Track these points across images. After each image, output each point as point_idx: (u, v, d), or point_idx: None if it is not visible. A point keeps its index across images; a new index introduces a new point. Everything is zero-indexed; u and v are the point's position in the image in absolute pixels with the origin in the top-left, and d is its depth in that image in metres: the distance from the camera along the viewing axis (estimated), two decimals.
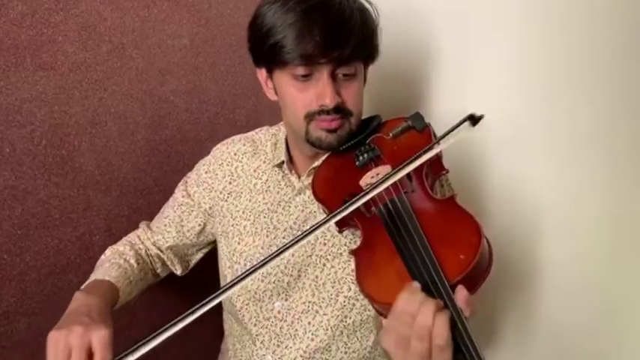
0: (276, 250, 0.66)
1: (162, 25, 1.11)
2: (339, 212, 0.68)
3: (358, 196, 0.68)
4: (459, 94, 1.08)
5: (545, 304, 1.00)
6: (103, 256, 0.96)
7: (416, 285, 0.59)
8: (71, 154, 1.00)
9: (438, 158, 0.76)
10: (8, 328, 0.95)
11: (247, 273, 0.65)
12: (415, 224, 0.64)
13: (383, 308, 0.62)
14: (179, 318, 0.64)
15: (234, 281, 0.66)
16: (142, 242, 1.00)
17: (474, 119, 0.68)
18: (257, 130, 1.00)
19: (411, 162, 0.69)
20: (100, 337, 0.67)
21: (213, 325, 1.08)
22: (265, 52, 0.78)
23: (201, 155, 1.04)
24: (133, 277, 0.92)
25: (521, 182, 1.00)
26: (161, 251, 1.00)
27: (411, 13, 1.10)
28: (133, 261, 0.94)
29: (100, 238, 1.07)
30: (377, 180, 0.70)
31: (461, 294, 0.57)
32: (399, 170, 0.69)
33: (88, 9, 0.99)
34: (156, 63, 1.11)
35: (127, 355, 0.63)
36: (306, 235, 0.66)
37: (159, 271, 1.01)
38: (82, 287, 0.85)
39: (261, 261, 0.66)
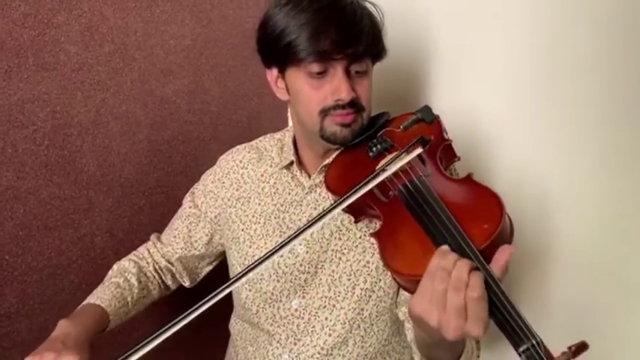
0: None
1: (165, 25, 1.11)
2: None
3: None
4: (460, 92, 1.08)
5: (555, 290, 1.01)
6: (110, 271, 0.98)
7: (446, 247, 0.59)
8: (73, 154, 1.00)
9: (449, 144, 0.78)
10: (9, 329, 0.95)
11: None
12: (437, 200, 0.66)
13: (411, 282, 0.63)
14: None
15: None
16: (151, 255, 1.01)
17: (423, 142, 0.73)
18: (261, 138, 1.01)
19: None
20: None
21: (218, 331, 1.08)
22: (279, 51, 0.80)
23: (203, 156, 1.04)
24: (131, 297, 0.93)
25: (526, 176, 1.00)
26: (170, 263, 1.01)
27: (410, 12, 1.10)
28: (134, 280, 0.95)
29: (102, 238, 1.07)
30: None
31: (505, 253, 0.56)
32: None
33: (90, 9, 0.99)
34: (158, 64, 1.11)
35: None
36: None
37: (169, 283, 1.02)
38: (74, 311, 0.87)
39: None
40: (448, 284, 0.55)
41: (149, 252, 1.01)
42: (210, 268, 1.04)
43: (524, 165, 1.01)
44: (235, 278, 0.67)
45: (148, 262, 1.00)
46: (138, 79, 1.08)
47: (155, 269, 1.00)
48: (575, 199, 0.95)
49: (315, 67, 0.78)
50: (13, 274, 0.94)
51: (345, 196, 0.70)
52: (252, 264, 0.67)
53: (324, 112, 0.81)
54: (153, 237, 1.04)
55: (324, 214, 0.69)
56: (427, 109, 0.82)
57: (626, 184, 0.88)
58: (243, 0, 1.24)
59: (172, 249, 1.00)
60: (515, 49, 0.98)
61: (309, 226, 0.68)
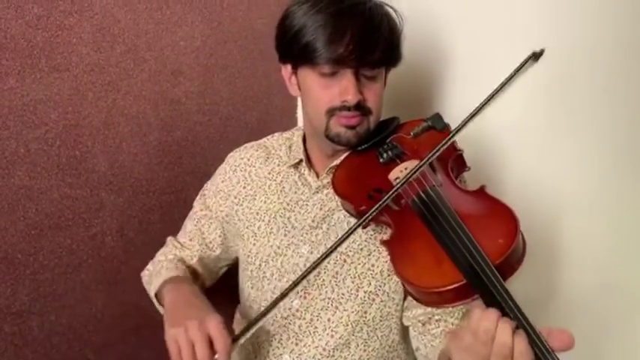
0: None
1: (175, 27, 1.12)
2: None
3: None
4: (475, 98, 1.07)
5: (564, 300, 1.00)
6: (146, 271, 0.98)
7: (494, 312, 0.57)
8: (84, 154, 1.01)
9: (461, 154, 0.78)
10: (21, 327, 0.96)
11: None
12: (451, 211, 0.65)
13: (423, 294, 0.63)
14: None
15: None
16: (176, 255, 1.00)
17: (536, 55, 0.71)
18: (269, 137, 1.01)
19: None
20: (216, 325, 0.70)
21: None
22: (295, 51, 0.81)
23: (212, 156, 1.04)
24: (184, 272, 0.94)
25: (539, 182, 0.99)
26: (192, 264, 0.99)
27: (425, 16, 1.09)
28: (180, 264, 0.95)
29: (112, 238, 1.08)
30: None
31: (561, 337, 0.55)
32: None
33: (102, 11, 1.00)
34: (168, 65, 1.12)
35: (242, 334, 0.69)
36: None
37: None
38: (165, 289, 0.86)
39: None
40: (492, 349, 0.55)
41: (173, 253, 0.99)
42: (227, 268, 1.04)
43: (537, 173, 1.00)
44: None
45: (178, 260, 0.98)
46: (148, 80, 1.09)
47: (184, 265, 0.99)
48: (587, 206, 0.94)
49: (327, 69, 0.79)
50: (24, 273, 0.95)
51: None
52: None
53: (331, 112, 0.81)
54: (169, 240, 1.02)
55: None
56: (438, 117, 0.81)
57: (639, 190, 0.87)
58: (253, 1, 1.25)
59: (190, 252, 0.98)
60: (531, 52, 0.97)
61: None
